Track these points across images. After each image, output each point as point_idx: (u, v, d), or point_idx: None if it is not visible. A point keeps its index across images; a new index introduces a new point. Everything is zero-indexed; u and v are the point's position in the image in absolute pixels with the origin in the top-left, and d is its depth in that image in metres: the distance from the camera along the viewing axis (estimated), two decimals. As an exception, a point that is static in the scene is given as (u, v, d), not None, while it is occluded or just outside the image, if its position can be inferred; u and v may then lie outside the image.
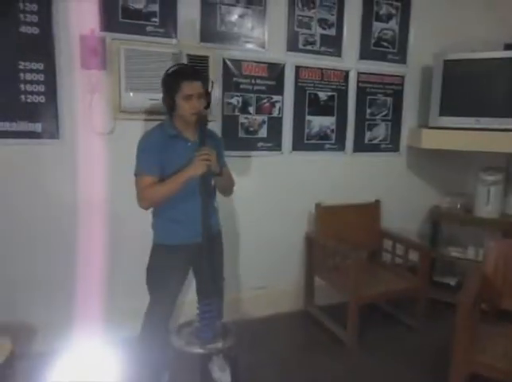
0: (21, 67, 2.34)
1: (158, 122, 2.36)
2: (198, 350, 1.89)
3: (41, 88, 2.39)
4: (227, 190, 2.25)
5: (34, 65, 2.37)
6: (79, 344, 2.45)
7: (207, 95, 2.05)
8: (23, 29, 2.32)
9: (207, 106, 2.08)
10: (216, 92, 2.71)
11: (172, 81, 1.97)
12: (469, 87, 3.13)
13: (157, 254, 2.11)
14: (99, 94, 2.48)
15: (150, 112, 2.56)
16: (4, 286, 2.45)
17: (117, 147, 2.52)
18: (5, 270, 2.45)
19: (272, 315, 3.11)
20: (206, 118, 2.02)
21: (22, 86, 2.36)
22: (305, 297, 3.23)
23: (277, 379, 2.42)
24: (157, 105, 2.49)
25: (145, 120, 2.57)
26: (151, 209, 2.10)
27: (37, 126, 2.41)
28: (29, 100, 2.38)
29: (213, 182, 2.10)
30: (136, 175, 2.00)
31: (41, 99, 2.40)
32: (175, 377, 2.28)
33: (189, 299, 2.41)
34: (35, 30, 2.34)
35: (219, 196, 2.23)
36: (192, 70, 2.11)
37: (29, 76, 2.36)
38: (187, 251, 2.05)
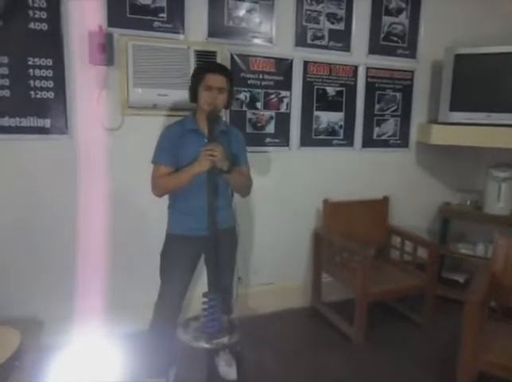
0: (30, 63, 2.36)
1: (165, 117, 2.36)
2: (204, 345, 1.89)
3: (50, 84, 2.41)
4: (240, 189, 2.19)
5: (43, 61, 2.38)
6: (85, 338, 2.48)
7: (230, 94, 2.10)
8: (32, 25, 2.33)
9: (228, 105, 2.14)
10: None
11: (199, 72, 2.09)
12: (480, 82, 3.08)
13: (168, 242, 2.20)
14: (107, 89, 2.49)
15: (158, 108, 2.56)
16: (13, 282, 2.48)
17: (124, 143, 2.54)
18: (13, 267, 2.47)
19: (279, 311, 3.11)
20: (215, 114, 2.02)
21: (31, 82, 2.37)
22: (313, 293, 3.22)
23: (283, 374, 2.42)
24: (165, 100, 2.50)
25: (153, 116, 2.57)
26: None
27: (46, 122, 2.43)
28: (38, 96, 2.39)
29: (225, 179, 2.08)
30: (152, 163, 2.10)
31: (50, 94, 2.42)
32: (182, 371, 2.30)
33: (198, 294, 2.42)
34: (44, 27, 2.35)
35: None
36: (220, 65, 2.22)
37: (37, 72, 2.38)
38: (195, 242, 2.10)
